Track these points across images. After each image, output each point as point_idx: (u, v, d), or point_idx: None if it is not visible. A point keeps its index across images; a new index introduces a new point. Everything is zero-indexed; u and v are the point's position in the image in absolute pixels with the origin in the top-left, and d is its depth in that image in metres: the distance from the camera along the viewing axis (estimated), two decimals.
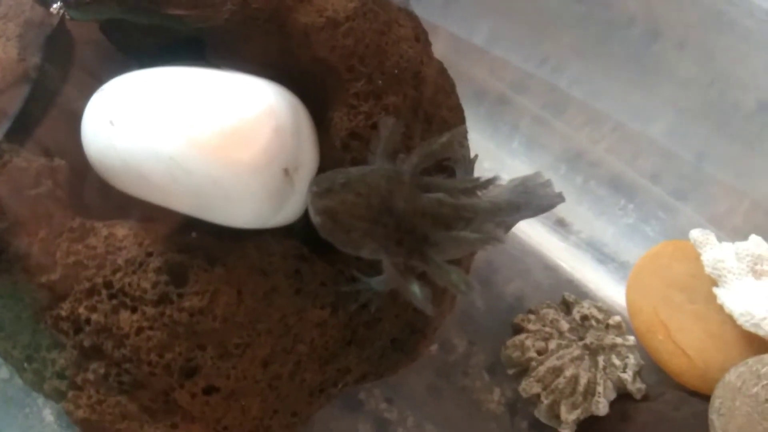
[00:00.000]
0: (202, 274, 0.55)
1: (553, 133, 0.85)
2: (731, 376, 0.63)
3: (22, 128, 0.58)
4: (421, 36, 0.68)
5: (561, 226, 0.81)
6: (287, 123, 0.55)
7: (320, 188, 0.52)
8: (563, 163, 0.84)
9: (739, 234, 0.78)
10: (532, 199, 0.66)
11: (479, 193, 0.60)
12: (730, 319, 0.68)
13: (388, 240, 0.53)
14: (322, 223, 0.52)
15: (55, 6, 0.61)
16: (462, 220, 0.56)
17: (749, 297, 0.67)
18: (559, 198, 0.68)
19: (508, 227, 0.64)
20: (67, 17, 0.61)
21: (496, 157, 0.84)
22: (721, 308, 0.68)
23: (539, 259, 0.78)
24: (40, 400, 0.66)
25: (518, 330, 0.71)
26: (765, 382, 0.62)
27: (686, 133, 0.86)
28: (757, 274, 0.69)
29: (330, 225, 0.52)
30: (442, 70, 0.70)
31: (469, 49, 0.89)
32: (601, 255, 0.80)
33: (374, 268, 0.59)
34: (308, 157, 0.58)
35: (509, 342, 0.70)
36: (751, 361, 0.64)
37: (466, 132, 0.65)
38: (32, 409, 0.66)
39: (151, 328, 0.54)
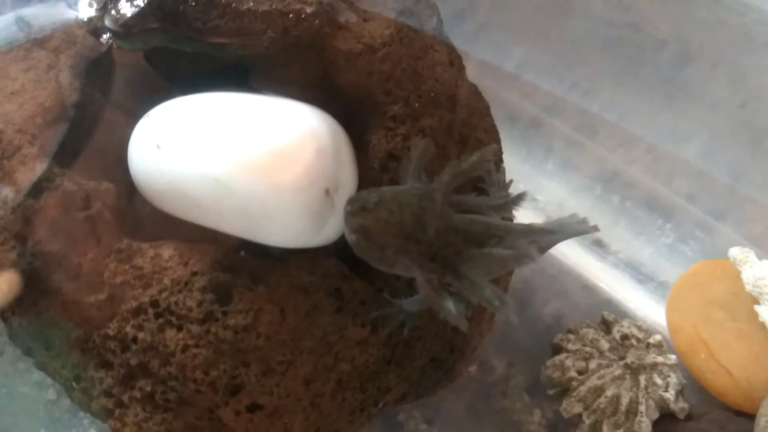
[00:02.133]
0: (246, 292, 0.56)
1: (588, 154, 0.86)
2: None
3: (72, 153, 0.60)
4: (455, 61, 0.70)
5: (599, 246, 0.81)
6: (328, 145, 0.56)
7: (354, 207, 0.53)
8: (599, 184, 0.84)
9: None
10: (566, 228, 0.66)
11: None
12: None
13: (421, 256, 0.53)
14: (356, 241, 0.53)
15: (104, 36, 0.63)
16: (494, 238, 0.56)
17: None
18: (594, 228, 0.68)
19: (543, 249, 0.65)
20: (115, 47, 0.63)
21: (531, 179, 0.84)
22: (763, 326, 0.68)
23: (577, 280, 0.78)
24: (86, 420, 0.67)
25: (558, 350, 0.71)
26: None
27: (720, 154, 0.86)
28: None
29: (364, 242, 0.52)
30: (476, 93, 0.71)
31: (501, 76, 0.90)
32: (640, 275, 0.79)
33: (411, 287, 0.60)
34: (348, 177, 0.60)
35: (549, 362, 0.70)
36: None
37: (496, 151, 0.66)
38: (78, 430, 0.67)
39: (196, 345, 0.55)
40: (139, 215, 0.61)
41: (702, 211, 0.82)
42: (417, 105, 0.63)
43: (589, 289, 0.78)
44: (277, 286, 0.57)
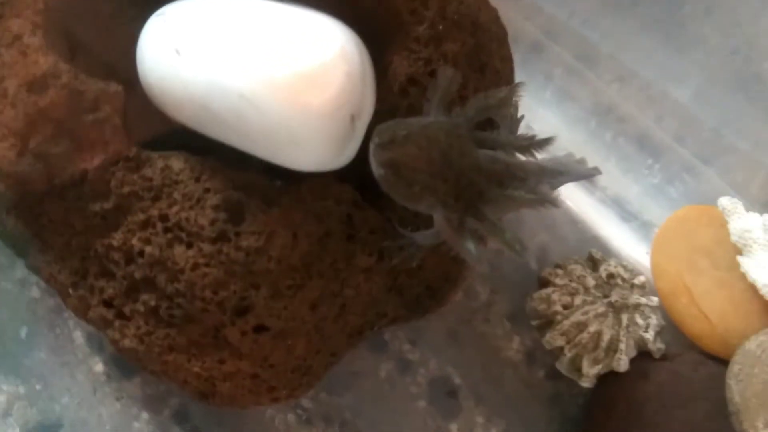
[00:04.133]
0: (259, 214, 0.54)
1: (585, 85, 0.85)
2: (751, 344, 0.66)
3: (73, 46, 0.56)
4: None
5: (588, 181, 0.81)
6: (357, 67, 0.54)
7: (383, 139, 0.51)
8: (594, 117, 0.84)
9: (754, 204, 0.79)
10: (572, 168, 0.66)
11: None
12: (752, 288, 0.69)
13: (446, 195, 0.52)
14: (385, 176, 0.51)
15: None
16: (515, 179, 0.55)
17: None
18: (596, 170, 0.68)
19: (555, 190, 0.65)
20: None
21: (528, 106, 0.82)
22: (744, 276, 0.70)
23: (566, 213, 0.79)
24: (71, 321, 0.65)
25: (545, 283, 0.72)
26: None
27: (711, 99, 0.86)
28: None
29: (393, 178, 0.51)
30: (496, 18, 0.69)
31: None
32: (625, 212, 0.81)
33: (419, 217, 0.59)
34: (369, 102, 0.57)
35: (536, 294, 0.71)
36: None
37: (521, 88, 0.65)
38: (63, 330, 0.65)
39: (207, 264, 0.53)
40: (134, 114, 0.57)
41: (690, 154, 0.83)
42: (441, 27, 0.61)
43: (576, 223, 0.79)
44: (290, 210, 0.55)
